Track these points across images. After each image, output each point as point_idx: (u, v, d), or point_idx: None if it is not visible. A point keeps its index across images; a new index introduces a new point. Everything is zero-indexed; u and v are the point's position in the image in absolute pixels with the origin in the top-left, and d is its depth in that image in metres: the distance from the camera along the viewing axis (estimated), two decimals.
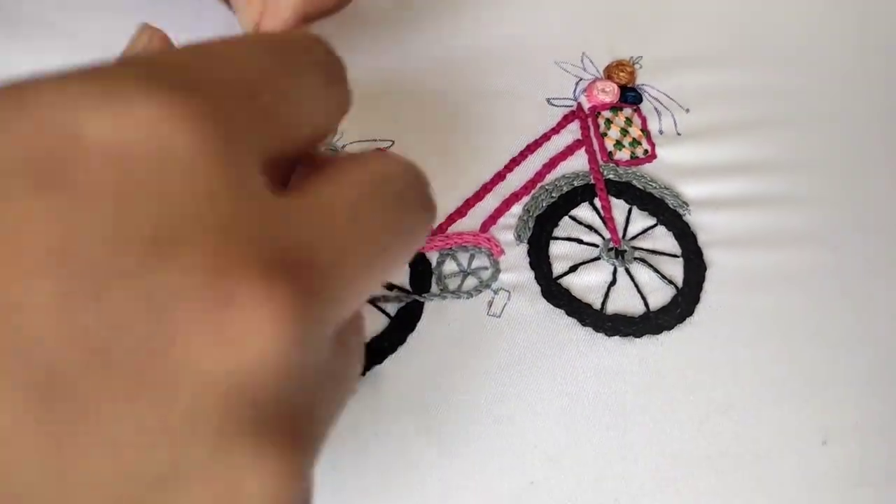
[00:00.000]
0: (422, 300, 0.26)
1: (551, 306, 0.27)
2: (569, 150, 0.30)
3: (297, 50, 0.15)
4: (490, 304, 0.26)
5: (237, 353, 0.11)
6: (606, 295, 0.27)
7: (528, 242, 0.28)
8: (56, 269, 0.10)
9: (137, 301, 0.11)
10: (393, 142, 0.29)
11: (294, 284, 0.12)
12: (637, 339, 0.27)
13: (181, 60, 0.13)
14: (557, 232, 0.28)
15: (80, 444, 0.10)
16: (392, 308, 0.26)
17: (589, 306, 0.27)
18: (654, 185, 0.29)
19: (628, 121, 0.31)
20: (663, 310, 0.27)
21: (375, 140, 0.29)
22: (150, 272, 0.11)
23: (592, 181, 0.29)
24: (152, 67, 0.13)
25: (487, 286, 0.27)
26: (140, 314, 0.11)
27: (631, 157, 0.30)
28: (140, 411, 0.10)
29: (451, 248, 0.27)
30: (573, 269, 0.28)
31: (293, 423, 0.12)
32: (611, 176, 0.29)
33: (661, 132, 0.31)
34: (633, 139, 0.30)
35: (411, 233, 0.15)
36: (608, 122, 0.31)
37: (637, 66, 0.32)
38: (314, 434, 0.13)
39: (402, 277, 0.26)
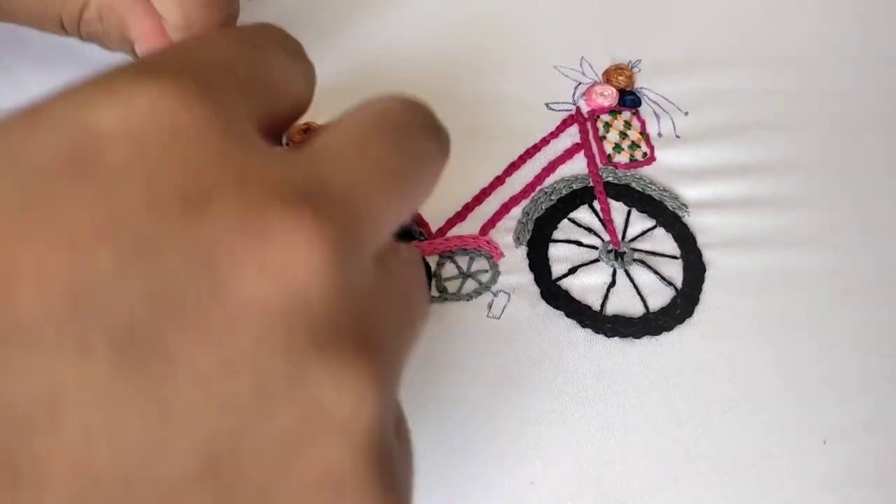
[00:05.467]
0: None
1: (551, 308, 0.27)
2: (568, 154, 0.30)
3: (255, 33, 0.17)
4: (490, 305, 0.27)
5: (284, 279, 0.12)
6: (606, 296, 0.27)
7: (528, 245, 0.28)
8: (110, 240, 0.12)
9: (187, 254, 0.12)
10: None
11: (318, 210, 0.13)
12: (637, 340, 0.27)
13: (165, 54, 0.15)
14: (557, 234, 0.28)
15: (172, 383, 0.11)
16: None
17: (588, 308, 0.27)
18: (653, 187, 0.30)
19: (627, 124, 0.31)
20: (663, 311, 0.27)
21: None
22: (192, 228, 0.12)
23: (591, 184, 0.29)
24: (143, 63, 0.15)
25: (487, 288, 0.27)
26: (193, 265, 0.12)
27: (630, 159, 0.30)
28: (217, 347, 0.12)
29: (450, 251, 0.27)
30: (572, 270, 0.28)
31: (356, 339, 0.13)
32: (610, 178, 0.30)
33: (660, 135, 0.31)
34: (632, 142, 0.31)
35: (425, 156, 0.17)
36: (607, 125, 0.31)
37: (636, 70, 0.33)
38: (385, 355, 0.14)
39: None
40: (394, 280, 0.16)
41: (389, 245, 0.16)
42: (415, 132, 0.17)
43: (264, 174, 0.13)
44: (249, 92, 0.15)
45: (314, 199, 0.13)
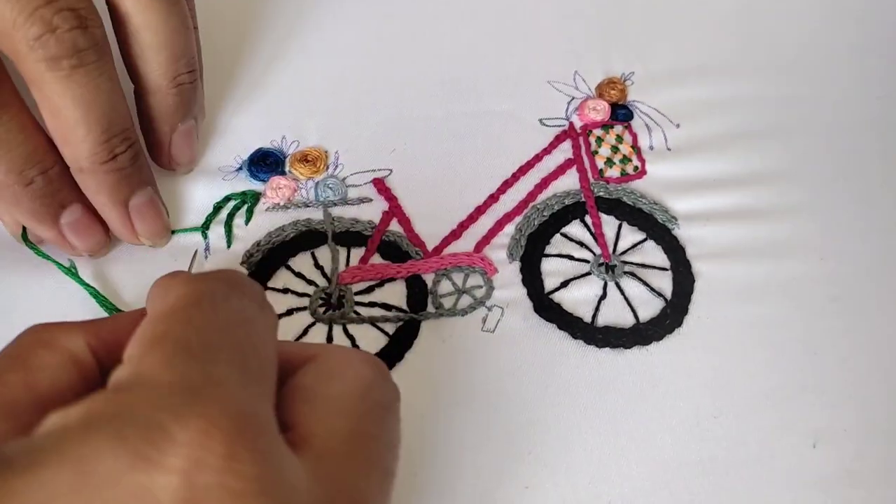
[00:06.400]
0: (419, 319, 0.28)
1: (543, 320, 0.28)
2: (560, 170, 0.31)
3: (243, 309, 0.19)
4: (484, 320, 0.28)
5: None
6: (597, 308, 0.29)
7: (521, 260, 0.29)
8: None
9: None
10: (391, 170, 0.31)
11: None
12: (627, 350, 0.28)
13: (189, 380, 0.16)
14: (549, 249, 0.29)
15: None
16: (390, 327, 0.28)
17: (580, 319, 0.28)
18: (643, 200, 0.30)
19: (619, 138, 0.32)
20: (653, 321, 0.28)
21: (374, 170, 0.30)
22: None
23: (583, 199, 0.30)
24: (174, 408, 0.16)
25: (482, 303, 0.28)
26: None
27: (621, 173, 0.31)
28: None
29: (445, 269, 0.29)
30: (564, 284, 0.29)
31: None
32: (601, 193, 0.31)
33: (651, 148, 0.32)
34: (624, 156, 0.31)
35: (395, 427, 0.20)
36: (599, 139, 0.32)
37: (629, 83, 0.33)
38: None
39: (399, 298, 0.28)
40: None
41: None
42: (392, 406, 0.20)
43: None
44: (271, 381, 0.18)
45: None
